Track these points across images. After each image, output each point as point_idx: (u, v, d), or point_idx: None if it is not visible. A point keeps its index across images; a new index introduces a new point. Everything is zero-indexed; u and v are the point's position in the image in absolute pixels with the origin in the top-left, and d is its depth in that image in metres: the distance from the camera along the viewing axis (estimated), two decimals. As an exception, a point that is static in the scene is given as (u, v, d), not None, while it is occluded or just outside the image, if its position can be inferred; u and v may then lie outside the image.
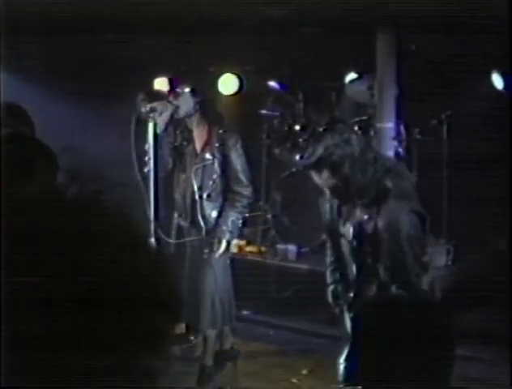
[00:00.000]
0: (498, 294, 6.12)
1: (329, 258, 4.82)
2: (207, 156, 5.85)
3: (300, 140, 8.47)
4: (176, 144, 5.92)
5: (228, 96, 8.81)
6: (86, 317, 1.25)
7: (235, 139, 5.89)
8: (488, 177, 7.01)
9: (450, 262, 7.54)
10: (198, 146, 5.90)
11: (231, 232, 5.87)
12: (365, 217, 4.37)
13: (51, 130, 5.30)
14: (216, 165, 5.85)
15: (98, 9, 6.58)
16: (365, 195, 4.34)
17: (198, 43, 7.63)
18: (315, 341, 6.80)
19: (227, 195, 5.88)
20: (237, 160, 5.87)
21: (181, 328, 6.45)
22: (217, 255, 5.83)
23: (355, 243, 4.47)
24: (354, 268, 4.55)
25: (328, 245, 4.88)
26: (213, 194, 5.86)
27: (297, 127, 8.50)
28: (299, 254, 8.14)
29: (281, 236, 8.32)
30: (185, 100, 5.79)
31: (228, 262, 6.03)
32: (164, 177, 5.77)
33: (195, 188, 5.84)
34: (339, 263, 4.69)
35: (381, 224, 4.29)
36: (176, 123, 5.84)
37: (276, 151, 8.63)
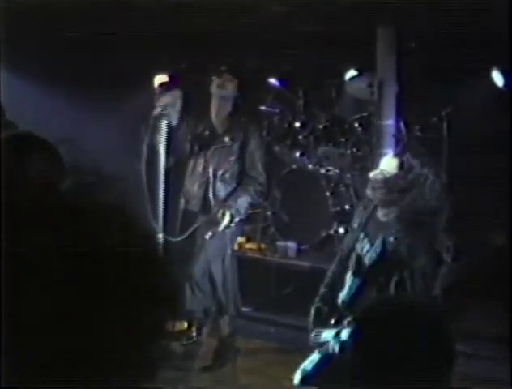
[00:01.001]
0: (498, 291, 6.12)
1: (327, 279, 4.84)
2: (227, 139, 5.95)
3: (300, 137, 8.47)
4: (195, 130, 5.99)
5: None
6: (85, 316, 1.25)
7: (257, 126, 6.11)
8: (489, 173, 7.00)
9: (449, 260, 7.53)
10: (220, 130, 6.00)
11: (237, 209, 5.90)
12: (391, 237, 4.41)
13: (50, 123, 5.30)
14: (235, 148, 5.96)
15: (97, 6, 6.58)
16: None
17: (198, 39, 7.61)
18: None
19: (241, 179, 5.97)
20: (256, 147, 6.00)
21: (182, 325, 6.46)
22: (220, 228, 5.85)
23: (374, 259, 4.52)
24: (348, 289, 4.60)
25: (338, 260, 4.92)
26: (227, 176, 5.94)
27: (297, 124, 8.50)
28: (299, 251, 8.14)
29: (281, 233, 8.32)
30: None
31: (230, 248, 6.05)
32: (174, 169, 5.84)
33: (211, 168, 5.92)
34: (335, 285, 4.72)
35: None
36: (194, 109, 5.90)
37: (276, 148, 8.63)
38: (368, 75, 8.00)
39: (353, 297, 4.66)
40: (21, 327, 1.22)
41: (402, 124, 7.73)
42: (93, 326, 1.25)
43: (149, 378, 1.35)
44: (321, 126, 8.41)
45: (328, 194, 8.07)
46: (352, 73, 8.38)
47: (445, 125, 7.74)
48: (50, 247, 1.25)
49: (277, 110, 8.69)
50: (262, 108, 8.63)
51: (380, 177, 4.59)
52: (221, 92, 5.91)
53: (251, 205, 6.08)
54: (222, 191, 5.94)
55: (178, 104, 5.65)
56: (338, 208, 7.94)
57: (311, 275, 6.76)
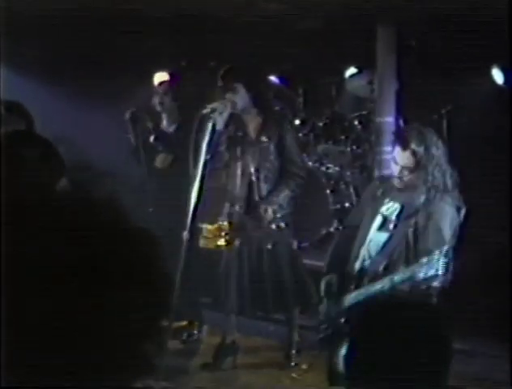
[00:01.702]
0: (499, 289, 6.13)
1: (333, 251, 4.99)
2: (263, 139, 6.09)
3: (300, 135, 8.47)
4: (231, 136, 6.12)
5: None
6: (84, 314, 1.25)
7: (289, 122, 6.37)
8: (489, 171, 7.00)
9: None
10: (254, 133, 6.12)
11: (280, 204, 6.05)
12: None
13: (50, 123, 5.31)
14: (272, 147, 6.08)
15: (97, 4, 6.57)
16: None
17: (198, 37, 7.61)
18: (315, 336, 6.78)
19: (282, 175, 6.12)
20: (292, 142, 6.18)
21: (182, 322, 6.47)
22: (265, 223, 6.00)
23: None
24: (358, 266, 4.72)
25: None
26: (269, 175, 6.07)
27: (297, 122, 8.50)
28: (299, 249, 8.11)
29: (281, 230, 8.30)
30: (241, 96, 5.98)
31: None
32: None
33: (252, 170, 6.04)
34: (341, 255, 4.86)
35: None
36: (233, 116, 6.02)
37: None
38: (368, 73, 8.00)
39: (380, 251, 4.87)
40: (20, 324, 1.22)
41: (402, 121, 7.72)
42: (92, 324, 1.25)
43: (147, 374, 1.35)
44: (321, 124, 8.41)
45: (328, 191, 8.07)
46: (351, 70, 8.38)
47: (445, 122, 7.74)
48: (49, 245, 1.25)
49: (277, 108, 8.68)
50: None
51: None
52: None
53: (293, 199, 6.19)
54: (265, 190, 6.07)
55: (226, 113, 5.78)
56: (338, 206, 7.94)
57: (311, 273, 6.75)
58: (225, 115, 5.82)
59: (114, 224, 1.33)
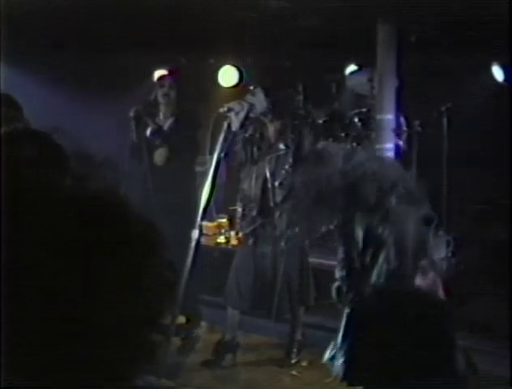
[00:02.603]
0: (499, 285, 6.13)
1: (339, 255, 4.92)
2: (281, 146, 6.15)
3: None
4: (249, 138, 6.20)
5: (227, 88, 8.79)
6: (83, 312, 1.25)
7: (309, 130, 6.31)
8: (489, 168, 7.00)
9: (450, 254, 7.51)
10: (273, 138, 6.18)
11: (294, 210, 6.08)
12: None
13: (50, 119, 5.29)
14: (290, 155, 6.10)
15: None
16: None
17: (198, 35, 7.61)
18: (315, 333, 6.79)
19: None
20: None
21: (180, 319, 6.46)
22: (279, 230, 6.09)
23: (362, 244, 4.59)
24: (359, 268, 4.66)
25: (339, 244, 5.00)
26: (284, 183, 6.07)
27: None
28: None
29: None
30: (259, 100, 5.97)
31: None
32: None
33: (268, 176, 6.11)
34: (348, 262, 4.78)
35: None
36: (251, 119, 6.01)
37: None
38: (368, 70, 7.99)
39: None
40: (20, 321, 1.22)
41: (402, 119, 7.72)
42: (92, 323, 1.24)
43: (150, 367, 1.34)
44: (321, 121, 8.40)
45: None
46: (352, 68, 8.38)
47: (445, 120, 7.73)
48: (47, 240, 1.24)
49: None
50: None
51: None
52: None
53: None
54: (280, 196, 6.13)
55: (242, 114, 5.78)
56: (338, 203, 7.92)
57: (312, 271, 6.75)
58: (241, 115, 5.80)
59: (116, 214, 1.32)
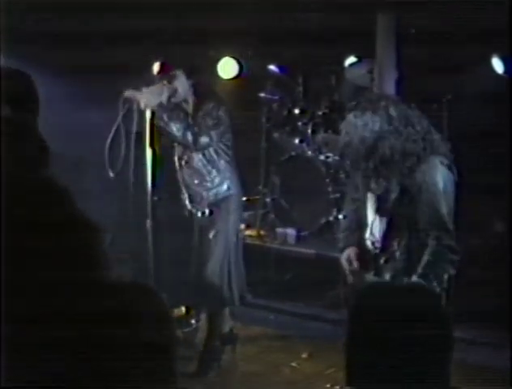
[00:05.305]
0: (498, 277, 6.13)
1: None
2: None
3: (300, 124, 8.46)
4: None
5: (227, 80, 8.78)
6: (82, 311, 1.25)
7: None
8: (489, 160, 7.00)
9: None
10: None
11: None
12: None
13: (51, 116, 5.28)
14: None
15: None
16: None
17: (197, 26, 7.59)
18: (315, 325, 6.81)
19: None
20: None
21: (180, 311, 6.47)
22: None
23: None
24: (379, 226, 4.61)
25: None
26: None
27: (297, 111, 8.49)
28: (298, 238, 8.14)
29: (280, 219, 8.32)
30: (181, 83, 5.78)
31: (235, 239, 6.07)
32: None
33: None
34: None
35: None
36: (172, 107, 5.80)
37: (275, 134, 8.62)
38: (367, 62, 7.98)
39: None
40: (20, 324, 1.22)
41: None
42: (91, 323, 1.25)
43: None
44: (320, 113, 8.40)
45: (327, 180, 8.07)
46: (351, 59, 8.37)
47: (445, 112, 7.73)
48: (45, 236, 1.24)
49: (276, 97, 8.67)
50: (262, 95, 8.62)
51: None
52: None
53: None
54: (199, 176, 5.99)
55: (164, 97, 5.70)
56: (337, 195, 7.93)
57: (310, 262, 6.77)
58: (162, 98, 5.66)
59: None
